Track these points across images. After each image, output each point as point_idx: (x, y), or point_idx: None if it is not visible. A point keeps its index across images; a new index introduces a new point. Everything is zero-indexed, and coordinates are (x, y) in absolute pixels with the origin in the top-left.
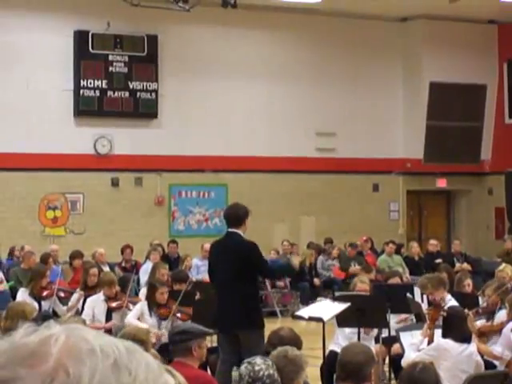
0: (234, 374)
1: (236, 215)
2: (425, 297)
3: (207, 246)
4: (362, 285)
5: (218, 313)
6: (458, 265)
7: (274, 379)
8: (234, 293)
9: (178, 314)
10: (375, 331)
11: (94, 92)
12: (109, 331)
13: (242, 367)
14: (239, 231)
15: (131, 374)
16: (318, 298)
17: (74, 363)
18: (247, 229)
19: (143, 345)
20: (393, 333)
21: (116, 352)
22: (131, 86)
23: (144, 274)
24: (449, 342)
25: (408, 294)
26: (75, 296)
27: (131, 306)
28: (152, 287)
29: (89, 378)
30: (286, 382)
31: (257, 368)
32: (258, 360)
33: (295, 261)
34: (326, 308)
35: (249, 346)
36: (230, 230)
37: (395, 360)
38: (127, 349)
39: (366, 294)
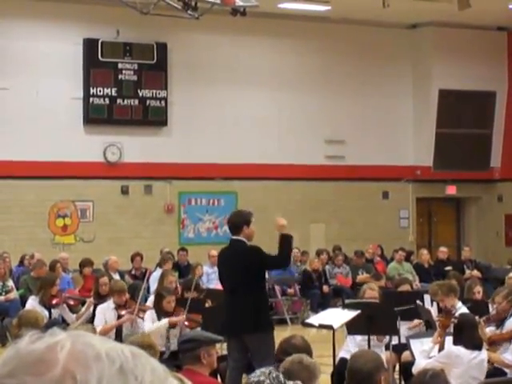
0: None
1: (233, 222)
2: (435, 304)
3: (214, 252)
4: (372, 292)
5: (226, 318)
6: (467, 272)
7: None
8: (240, 298)
9: (186, 322)
10: (387, 338)
11: (104, 100)
12: (119, 337)
13: None
14: (241, 238)
15: (137, 378)
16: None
17: (80, 369)
18: (252, 235)
19: (151, 349)
20: (403, 340)
21: (122, 357)
22: (141, 94)
23: (154, 282)
24: (460, 349)
25: (418, 302)
26: (86, 304)
27: (141, 314)
28: (159, 296)
29: None
30: None
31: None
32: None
33: (280, 225)
34: (336, 315)
35: (257, 349)
36: (232, 237)
37: (405, 367)
38: (132, 353)
39: (376, 302)
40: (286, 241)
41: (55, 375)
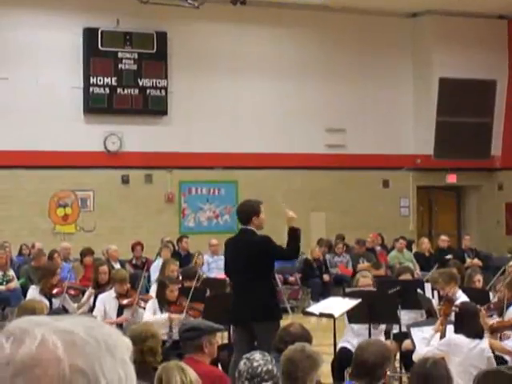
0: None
1: (242, 212)
2: (435, 293)
3: (214, 241)
4: (365, 279)
5: (234, 307)
6: (468, 260)
7: (272, 375)
8: (249, 288)
9: (190, 312)
10: (383, 325)
11: (104, 89)
12: (120, 327)
13: (241, 363)
14: (251, 227)
15: (116, 347)
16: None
17: (81, 360)
18: (262, 224)
19: (154, 338)
20: (403, 329)
21: (99, 334)
22: (141, 83)
23: (155, 271)
24: (460, 338)
25: (419, 290)
26: (86, 293)
27: (142, 303)
28: (162, 284)
29: (101, 370)
30: (301, 375)
31: (255, 364)
32: (257, 356)
33: (289, 218)
34: (337, 304)
35: (264, 337)
36: (242, 226)
37: (406, 356)
38: (99, 326)
39: (376, 290)
40: (293, 234)
41: (63, 374)
